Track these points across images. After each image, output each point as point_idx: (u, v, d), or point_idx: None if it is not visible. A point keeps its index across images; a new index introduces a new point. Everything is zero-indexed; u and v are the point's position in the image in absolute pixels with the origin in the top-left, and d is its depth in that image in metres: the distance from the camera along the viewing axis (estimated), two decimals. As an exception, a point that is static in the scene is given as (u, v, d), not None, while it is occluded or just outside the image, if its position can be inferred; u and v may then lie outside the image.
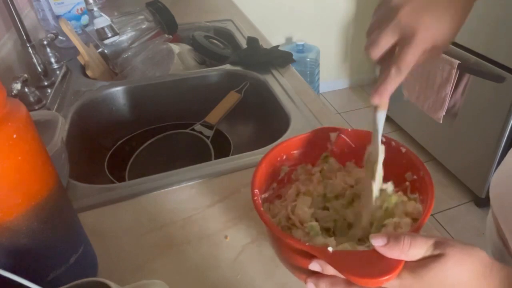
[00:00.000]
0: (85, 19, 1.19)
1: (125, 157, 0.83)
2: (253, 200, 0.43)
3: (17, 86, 0.74)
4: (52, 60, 1.00)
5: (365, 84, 2.79)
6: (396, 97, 2.12)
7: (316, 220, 0.47)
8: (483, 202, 1.77)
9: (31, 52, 0.89)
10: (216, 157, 0.77)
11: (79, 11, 1.17)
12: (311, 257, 0.37)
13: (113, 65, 1.08)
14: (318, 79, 2.47)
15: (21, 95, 0.77)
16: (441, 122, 1.79)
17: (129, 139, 0.89)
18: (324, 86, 2.66)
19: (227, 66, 1.00)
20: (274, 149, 0.50)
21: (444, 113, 1.77)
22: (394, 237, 0.33)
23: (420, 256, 0.33)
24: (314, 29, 2.47)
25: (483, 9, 1.54)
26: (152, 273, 0.50)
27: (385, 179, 0.50)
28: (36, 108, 0.81)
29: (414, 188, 0.46)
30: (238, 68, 0.99)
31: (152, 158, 0.84)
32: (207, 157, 0.80)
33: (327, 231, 0.49)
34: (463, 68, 1.62)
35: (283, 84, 0.91)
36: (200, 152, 0.82)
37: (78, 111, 0.86)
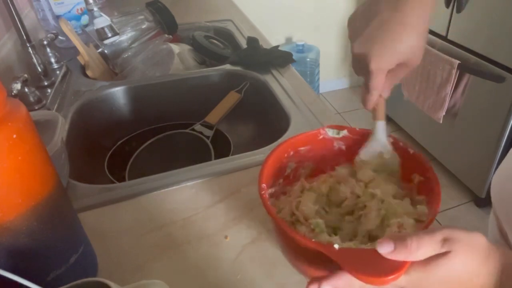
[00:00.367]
0: (85, 19, 1.19)
1: (125, 157, 0.83)
2: (260, 195, 0.43)
3: (17, 86, 0.74)
4: (52, 60, 1.00)
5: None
6: (396, 97, 2.12)
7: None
8: (483, 202, 1.77)
9: (31, 52, 0.89)
10: (216, 157, 0.77)
11: (79, 11, 1.17)
12: (315, 253, 0.37)
13: (113, 65, 1.08)
14: (318, 79, 2.47)
15: (21, 95, 0.77)
16: (441, 122, 1.79)
17: (129, 139, 0.89)
18: (324, 86, 2.66)
19: (227, 66, 1.00)
20: (282, 145, 0.50)
21: (444, 113, 1.77)
22: (400, 241, 0.33)
23: (427, 255, 0.33)
24: (314, 29, 2.47)
25: (483, 9, 1.54)
26: (152, 273, 0.50)
27: None
28: (36, 108, 0.81)
29: (421, 189, 0.46)
30: (238, 68, 0.99)
31: (152, 158, 0.84)
32: (207, 157, 0.80)
33: (332, 229, 0.49)
34: (463, 68, 1.62)
35: (283, 84, 0.91)
36: (200, 152, 0.82)
37: (78, 111, 0.86)
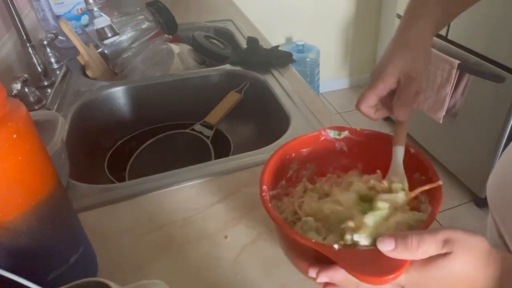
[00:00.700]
0: (85, 19, 1.19)
1: (125, 157, 0.83)
2: (261, 196, 0.43)
3: (17, 86, 0.74)
4: (52, 60, 1.00)
5: (365, 84, 2.79)
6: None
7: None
8: (483, 202, 1.77)
9: (31, 52, 0.89)
10: (216, 157, 0.77)
11: (79, 11, 1.17)
12: (316, 253, 0.37)
13: (113, 65, 1.08)
14: (318, 79, 2.47)
15: (21, 95, 0.77)
16: (441, 122, 1.79)
17: (129, 139, 0.89)
18: (324, 86, 2.66)
19: (227, 66, 1.00)
20: (283, 147, 0.50)
21: (444, 113, 1.77)
22: (401, 239, 0.33)
23: (428, 255, 0.33)
24: (314, 29, 2.47)
25: (483, 9, 1.54)
26: (152, 273, 0.50)
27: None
28: (36, 108, 0.81)
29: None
30: (238, 68, 0.99)
31: (152, 158, 0.84)
32: (207, 157, 0.80)
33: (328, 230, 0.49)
34: (463, 68, 1.62)
35: (283, 84, 0.91)
36: (200, 152, 0.82)
37: (78, 111, 0.86)
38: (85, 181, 0.65)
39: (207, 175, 0.66)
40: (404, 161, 0.49)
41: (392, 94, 0.51)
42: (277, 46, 1.07)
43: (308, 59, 2.31)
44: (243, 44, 1.12)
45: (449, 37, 1.72)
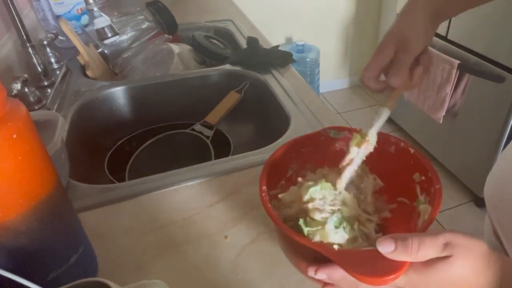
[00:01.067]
0: (85, 19, 1.19)
1: (125, 157, 0.83)
2: (261, 197, 0.43)
3: (17, 86, 0.74)
4: (52, 60, 1.00)
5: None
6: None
7: None
8: (483, 202, 1.76)
9: (31, 52, 0.89)
10: (216, 157, 0.77)
11: (79, 11, 1.17)
12: (315, 253, 0.37)
13: (113, 65, 1.08)
14: (318, 79, 2.47)
15: (21, 95, 0.77)
16: (441, 122, 1.79)
17: (129, 139, 0.89)
18: (324, 86, 2.66)
19: (227, 66, 1.00)
20: (283, 147, 0.50)
21: (444, 113, 1.77)
22: (401, 241, 0.33)
23: (428, 258, 0.33)
24: (314, 29, 2.47)
25: (483, 9, 1.54)
26: (152, 273, 0.50)
27: (394, 180, 0.51)
28: (36, 108, 0.81)
29: (423, 189, 0.46)
30: (238, 68, 0.99)
31: (152, 158, 0.84)
32: (207, 157, 0.80)
33: None
34: (463, 68, 1.62)
35: (283, 84, 0.91)
36: (200, 152, 0.82)
37: (78, 111, 0.86)
38: (85, 181, 0.65)
39: (207, 175, 0.66)
40: (404, 161, 0.49)
41: None
42: (277, 46, 1.07)
43: (308, 59, 2.31)
44: (243, 44, 1.12)
45: (449, 37, 1.72)
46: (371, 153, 0.52)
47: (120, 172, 0.80)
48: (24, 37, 0.88)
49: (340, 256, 0.35)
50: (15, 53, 0.95)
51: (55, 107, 0.85)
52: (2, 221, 0.36)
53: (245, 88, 0.94)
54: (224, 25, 1.30)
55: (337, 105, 2.62)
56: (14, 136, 0.35)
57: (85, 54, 1.01)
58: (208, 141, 0.84)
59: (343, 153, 0.54)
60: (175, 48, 1.05)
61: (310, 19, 2.42)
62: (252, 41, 1.06)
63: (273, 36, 2.30)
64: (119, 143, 0.87)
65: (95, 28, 0.93)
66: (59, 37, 1.09)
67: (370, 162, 0.52)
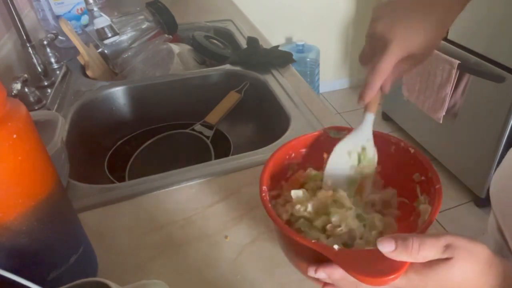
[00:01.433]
0: (85, 19, 1.19)
1: (125, 157, 0.83)
2: (261, 197, 0.43)
3: (17, 86, 0.74)
4: (52, 60, 1.00)
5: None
6: (396, 97, 2.12)
7: None
8: (483, 202, 1.77)
9: (31, 52, 0.89)
10: (216, 157, 0.77)
11: (79, 11, 1.17)
12: (315, 254, 0.37)
13: (113, 65, 1.08)
14: (318, 79, 2.47)
15: (21, 95, 0.77)
16: (441, 122, 1.79)
17: (129, 139, 0.89)
18: (324, 86, 2.66)
19: (227, 66, 1.00)
20: (283, 147, 0.50)
21: (444, 113, 1.77)
22: (402, 241, 0.33)
23: (428, 259, 0.33)
24: (314, 29, 2.47)
25: (483, 9, 1.54)
26: (152, 273, 0.50)
27: (394, 180, 0.51)
28: (36, 108, 0.81)
29: (423, 189, 0.46)
30: (238, 68, 0.99)
31: (152, 158, 0.84)
32: (207, 157, 0.80)
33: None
34: (463, 68, 1.62)
35: (283, 84, 0.91)
36: (200, 152, 0.82)
37: (78, 111, 0.86)
38: (85, 181, 0.65)
39: (207, 175, 0.66)
40: (404, 161, 0.49)
41: None
42: (277, 46, 1.07)
43: (308, 59, 2.31)
44: (243, 44, 1.12)
45: (449, 37, 1.72)
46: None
47: (120, 172, 0.80)
48: (24, 37, 0.88)
49: (340, 256, 0.35)
50: (15, 53, 0.95)
51: (55, 107, 0.85)
52: (2, 221, 0.36)
53: (245, 88, 0.94)
54: (224, 25, 1.30)
55: (337, 105, 2.62)
56: (14, 136, 0.35)
57: (85, 54, 1.01)
58: (208, 141, 0.84)
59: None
60: (175, 48, 1.05)
61: (310, 19, 2.42)
62: (252, 41, 1.06)
63: (273, 36, 2.30)
64: (119, 143, 0.87)
65: (95, 28, 0.93)
66: (59, 37, 1.09)
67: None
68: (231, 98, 0.92)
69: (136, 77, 1.01)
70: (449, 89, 1.68)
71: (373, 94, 0.47)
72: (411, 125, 2.14)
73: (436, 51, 1.70)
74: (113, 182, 0.74)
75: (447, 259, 0.33)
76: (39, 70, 0.91)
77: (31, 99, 0.81)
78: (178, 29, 1.11)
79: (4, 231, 0.37)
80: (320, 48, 2.40)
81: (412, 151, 0.48)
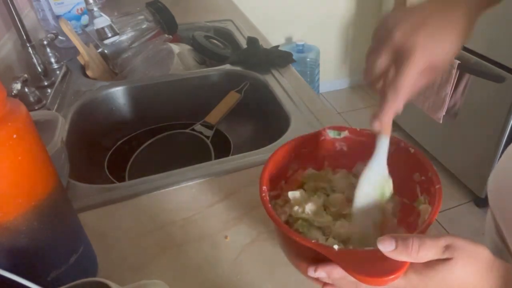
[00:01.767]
0: (85, 19, 1.19)
1: (125, 157, 0.83)
2: (261, 197, 0.43)
3: (17, 86, 0.74)
4: (52, 60, 1.00)
5: (365, 84, 2.79)
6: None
7: None
8: (483, 202, 1.77)
9: (31, 52, 0.89)
10: (216, 157, 0.77)
11: (79, 11, 1.17)
12: (315, 254, 0.37)
13: (113, 65, 1.08)
14: (318, 79, 2.47)
15: (21, 95, 0.77)
16: (441, 122, 1.79)
17: (129, 139, 0.89)
18: (324, 86, 2.66)
19: (227, 66, 1.00)
20: (283, 147, 0.50)
21: (444, 113, 1.77)
22: (402, 241, 0.33)
23: (428, 259, 0.33)
24: (314, 29, 2.47)
25: (483, 9, 1.54)
26: (152, 273, 0.50)
27: (394, 180, 0.49)
28: (36, 108, 0.81)
29: (423, 189, 0.46)
30: (238, 68, 0.99)
31: (152, 158, 0.84)
32: (207, 157, 0.80)
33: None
34: (463, 68, 1.62)
35: (283, 84, 0.91)
36: (200, 152, 0.82)
37: (78, 111, 0.86)
38: (85, 181, 0.65)
39: (207, 175, 0.66)
40: (404, 161, 0.48)
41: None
42: (277, 46, 1.07)
43: (308, 59, 2.31)
44: (243, 44, 1.12)
45: (449, 37, 1.72)
46: (371, 153, 0.52)
47: (120, 172, 0.80)
48: (24, 37, 0.88)
49: (340, 256, 0.35)
50: (15, 53, 0.96)
51: (55, 107, 0.85)
52: (2, 221, 0.36)
53: (245, 88, 0.94)
54: (224, 25, 1.30)
55: (337, 105, 2.62)
56: (14, 136, 0.35)
57: (85, 54, 1.01)
58: (208, 141, 0.84)
59: (343, 153, 0.54)
60: (175, 48, 1.05)
61: (310, 19, 2.42)
62: (252, 41, 1.06)
63: (273, 36, 2.30)
64: (119, 143, 0.87)
65: (95, 28, 0.93)
66: (59, 37, 1.09)
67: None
68: (231, 98, 0.92)
69: (136, 77, 1.01)
70: (449, 89, 1.68)
71: (392, 114, 0.41)
72: (411, 125, 2.14)
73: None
74: (113, 182, 0.74)
75: (447, 259, 0.33)
76: (39, 70, 0.91)
77: (31, 99, 0.81)
78: (178, 29, 1.11)
79: (4, 231, 0.37)
80: (320, 48, 2.40)
81: (412, 151, 0.48)
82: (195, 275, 0.50)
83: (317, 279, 0.39)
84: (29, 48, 0.89)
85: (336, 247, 0.35)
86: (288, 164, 0.52)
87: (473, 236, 1.70)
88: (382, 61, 0.40)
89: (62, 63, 1.01)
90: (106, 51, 1.06)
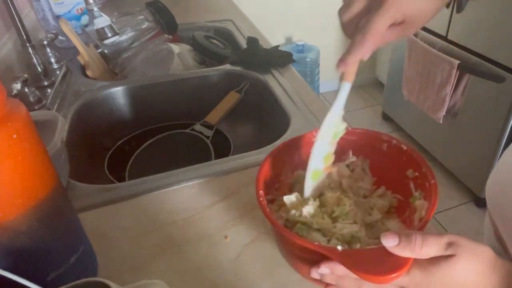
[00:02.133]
0: (85, 19, 1.19)
1: (125, 157, 0.83)
2: (259, 202, 0.43)
3: (17, 86, 0.74)
4: (52, 60, 1.00)
5: (365, 84, 2.79)
6: (396, 97, 2.12)
7: None
8: (483, 202, 1.77)
9: (31, 52, 0.89)
10: (216, 157, 0.77)
11: (79, 11, 1.17)
12: (317, 256, 0.37)
13: (113, 65, 1.08)
14: (318, 79, 2.47)
15: (21, 95, 0.77)
16: (441, 122, 1.79)
17: (129, 139, 0.89)
18: (324, 86, 2.66)
19: (227, 66, 1.00)
20: (275, 151, 0.50)
21: (444, 113, 1.77)
22: (405, 237, 0.33)
23: (431, 255, 0.33)
24: (314, 29, 2.47)
25: (483, 9, 1.54)
26: (152, 273, 0.50)
27: (387, 178, 0.51)
28: (36, 108, 0.81)
29: (417, 185, 0.46)
30: (238, 68, 0.99)
31: (152, 158, 0.84)
32: (207, 157, 0.80)
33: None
34: (463, 68, 1.62)
35: (283, 84, 0.91)
36: (200, 152, 0.82)
37: (78, 111, 0.86)
38: (85, 181, 0.65)
39: (207, 175, 0.66)
40: (397, 158, 0.49)
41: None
42: (277, 46, 1.07)
43: (308, 59, 2.31)
44: (243, 44, 1.12)
45: (449, 37, 1.72)
46: (363, 151, 0.52)
47: (120, 172, 0.80)
48: (24, 37, 0.88)
49: (343, 256, 0.35)
50: (15, 53, 0.95)
51: (55, 107, 0.85)
52: (2, 221, 0.36)
53: (245, 88, 0.94)
54: (224, 25, 1.30)
55: (337, 105, 2.61)
56: (14, 136, 0.35)
57: (85, 54, 1.01)
58: (208, 141, 0.84)
59: (337, 154, 0.53)
60: (175, 48, 1.05)
61: (310, 19, 2.42)
62: (252, 41, 1.06)
63: (273, 36, 2.30)
64: (119, 143, 0.87)
65: (95, 28, 0.93)
66: (59, 37, 1.09)
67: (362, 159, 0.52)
68: (231, 98, 0.92)
69: (136, 77, 1.01)
70: (449, 89, 1.68)
71: (358, 58, 0.41)
72: (411, 125, 2.14)
73: (436, 51, 1.70)
74: (113, 182, 0.74)
75: (450, 256, 0.33)
76: (39, 70, 0.91)
77: (31, 99, 0.81)
78: (178, 29, 1.11)
79: (4, 231, 0.37)
80: (320, 48, 2.40)
81: (405, 148, 0.48)
82: (195, 275, 0.50)
83: (319, 281, 0.39)
84: (29, 48, 0.89)
85: (339, 247, 0.35)
86: (282, 167, 0.52)
87: (473, 236, 1.68)
88: (357, 6, 0.41)
89: (62, 63, 1.01)
90: (106, 51, 1.06)
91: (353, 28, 0.42)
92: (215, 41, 1.14)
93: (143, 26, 1.08)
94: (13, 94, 0.73)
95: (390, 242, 0.33)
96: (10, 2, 0.82)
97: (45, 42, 0.97)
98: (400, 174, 0.48)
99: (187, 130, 0.88)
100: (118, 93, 0.94)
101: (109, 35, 0.94)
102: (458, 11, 1.61)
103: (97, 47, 1.07)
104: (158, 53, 1.04)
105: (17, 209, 0.37)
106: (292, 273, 0.48)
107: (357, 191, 0.52)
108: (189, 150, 0.84)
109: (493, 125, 1.59)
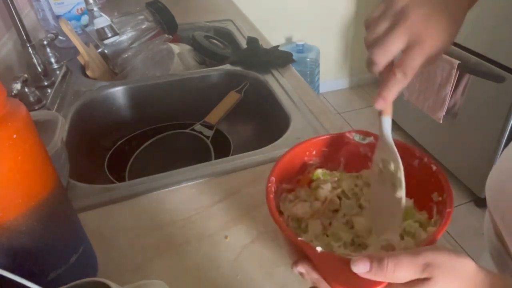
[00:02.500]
0: (85, 19, 1.19)
1: (125, 157, 0.83)
2: (267, 187, 0.43)
3: (17, 86, 0.74)
4: (52, 60, 1.00)
5: (365, 84, 2.79)
6: (396, 97, 2.12)
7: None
8: (483, 202, 1.77)
9: (31, 52, 0.89)
10: (216, 157, 0.77)
11: (79, 11, 1.17)
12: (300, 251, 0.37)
13: (113, 65, 1.08)
14: (318, 79, 2.47)
15: (21, 95, 0.77)
16: (441, 122, 1.79)
17: (129, 139, 0.89)
18: (324, 86, 2.66)
19: (227, 66, 1.00)
20: (303, 144, 0.50)
21: (444, 113, 1.77)
22: (377, 262, 0.32)
23: (406, 279, 0.32)
24: (314, 29, 2.47)
25: (483, 9, 1.54)
26: (152, 273, 0.50)
27: (411, 196, 0.48)
28: (36, 108, 0.81)
29: (438, 210, 0.44)
30: (238, 68, 0.99)
31: (152, 158, 0.84)
32: (207, 157, 0.80)
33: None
34: (463, 68, 1.62)
35: (283, 84, 0.91)
36: (200, 152, 0.82)
37: (78, 111, 0.86)
38: (85, 181, 0.65)
39: (207, 175, 0.66)
40: (425, 178, 0.46)
41: None
42: (277, 46, 1.07)
43: (308, 59, 2.31)
44: (243, 44, 1.12)
45: (449, 37, 1.72)
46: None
47: (120, 172, 0.80)
48: (24, 37, 0.88)
49: (321, 259, 0.34)
50: (15, 53, 0.95)
51: (55, 107, 0.85)
52: (2, 221, 0.36)
53: (245, 88, 0.94)
54: (224, 25, 1.30)
55: (337, 105, 2.62)
56: (14, 136, 0.35)
57: (85, 54, 1.01)
58: (208, 141, 0.84)
59: (367, 158, 0.51)
60: (175, 48, 1.05)
61: (310, 19, 2.42)
62: (252, 41, 1.06)
63: (273, 36, 2.30)
64: (119, 143, 0.87)
65: (95, 28, 0.93)
66: (59, 37, 1.09)
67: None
68: (231, 98, 0.92)
69: (136, 77, 1.01)
70: (449, 89, 1.68)
71: (396, 94, 0.41)
72: (411, 125, 2.14)
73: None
74: (113, 182, 0.74)
75: (426, 279, 0.31)
76: (39, 70, 0.91)
77: (31, 99, 0.81)
78: (178, 29, 1.11)
79: (4, 231, 0.37)
80: (320, 48, 2.40)
81: (434, 168, 0.46)
82: (195, 275, 0.50)
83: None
84: (29, 48, 0.89)
85: (319, 249, 0.35)
86: (308, 160, 0.52)
87: (473, 236, 1.70)
88: (399, 44, 0.40)
89: (62, 63, 1.01)
90: (106, 51, 1.06)
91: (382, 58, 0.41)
92: (215, 41, 1.14)
93: (143, 26, 1.08)
94: (13, 94, 0.73)
95: (360, 268, 0.32)
96: (10, 2, 0.82)
97: (45, 42, 0.97)
98: (426, 196, 0.46)
99: (187, 130, 0.88)
100: (118, 93, 0.94)
101: (109, 35, 0.94)
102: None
103: (97, 47, 1.07)
104: (158, 53, 1.04)
105: (17, 209, 0.37)
106: (292, 273, 0.48)
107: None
108: (189, 150, 0.84)
109: (493, 125, 1.59)
